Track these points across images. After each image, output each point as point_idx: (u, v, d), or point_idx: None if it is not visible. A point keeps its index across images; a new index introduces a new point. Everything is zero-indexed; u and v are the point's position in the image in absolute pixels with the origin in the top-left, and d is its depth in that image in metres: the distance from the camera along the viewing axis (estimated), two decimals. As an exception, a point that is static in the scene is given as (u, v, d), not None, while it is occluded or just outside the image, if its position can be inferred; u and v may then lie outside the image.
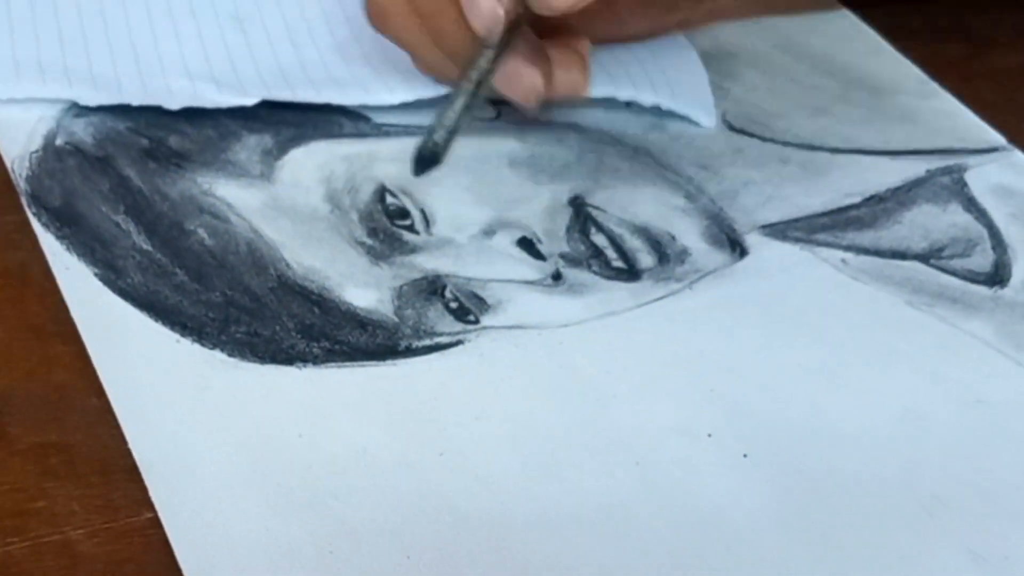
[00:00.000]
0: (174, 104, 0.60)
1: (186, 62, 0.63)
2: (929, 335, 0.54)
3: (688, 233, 0.57)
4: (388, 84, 0.62)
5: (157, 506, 0.45)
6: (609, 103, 0.62)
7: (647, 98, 0.62)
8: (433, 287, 0.54)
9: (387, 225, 0.56)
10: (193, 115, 0.60)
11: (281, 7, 0.66)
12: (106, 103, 0.60)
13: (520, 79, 0.55)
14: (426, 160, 0.54)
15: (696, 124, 0.62)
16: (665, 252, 0.56)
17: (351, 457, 0.48)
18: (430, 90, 0.61)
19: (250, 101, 0.60)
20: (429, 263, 0.55)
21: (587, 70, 0.57)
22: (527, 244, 0.56)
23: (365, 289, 0.54)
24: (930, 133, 0.63)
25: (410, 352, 0.51)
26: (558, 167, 0.60)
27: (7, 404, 0.49)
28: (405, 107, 0.61)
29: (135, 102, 0.60)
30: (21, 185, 0.57)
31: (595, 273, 0.55)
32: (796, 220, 0.58)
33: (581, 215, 0.58)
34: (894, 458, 0.49)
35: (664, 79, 0.63)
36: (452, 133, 0.54)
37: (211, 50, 0.63)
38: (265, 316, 0.52)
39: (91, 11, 0.65)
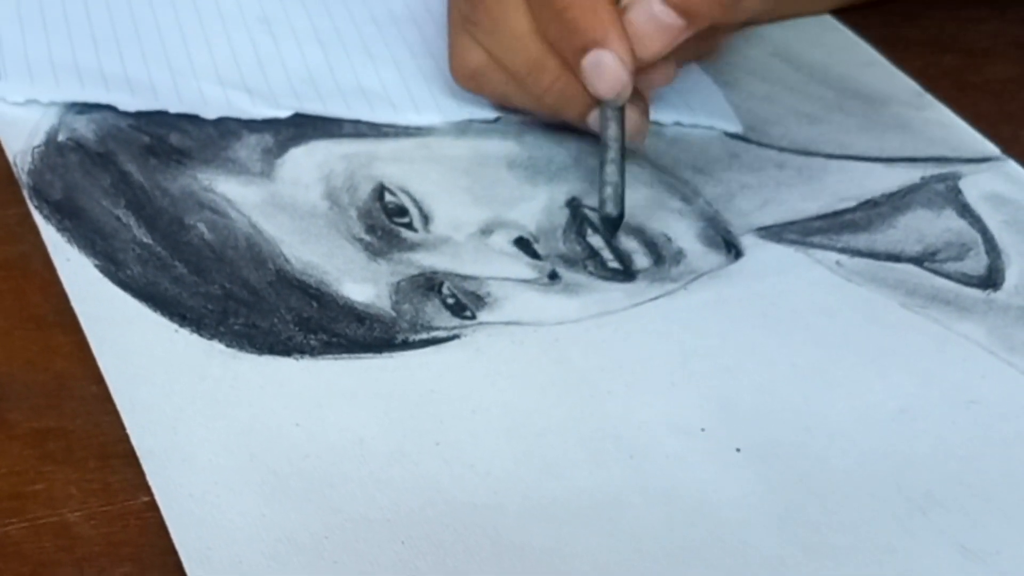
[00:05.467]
0: (210, 114, 0.61)
1: (217, 67, 0.63)
2: (923, 336, 0.54)
3: (684, 235, 0.58)
4: (415, 100, 0.63)
5: (155, 491, 0.46)
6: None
7: (666, 116, 0.63)
8: (430, 283, 0.54)
9: (385, 222, 0.57)
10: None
11: (306, 6, 0.67)
12: (144, 109, 0.60)
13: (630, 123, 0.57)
14: (613, 223, 0.57)
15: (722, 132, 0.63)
16: (661, 253, 0.57)
17: (347, 447, 0.48)
18: (455, 112, 0.62)
19: (283, 113, 0.61)
20: (427, 260, 0.55)
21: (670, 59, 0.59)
22: (524, 244, 0.57)
23: (363, 284, 0.54)
24: (925, 142, 0.63)
25: (407, 345, 0.52)
26: (556, 169, 0.60)
27: (7, 390, 0.49)
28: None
29: (172, 109, 0.61)
30: (23, 179, 0.57)
31: (591, 274, 0.56)
32: (792, 223, 0.59)
33: (578, 216, 0.58)
34: (887, 456, 0.49)
35: (678, 97, 0.64)
36: (621, 195, 0.57)
37: (240, 54, 0.64)
38: (263, 309, 0.52)
39: (122, 14, 0.66)
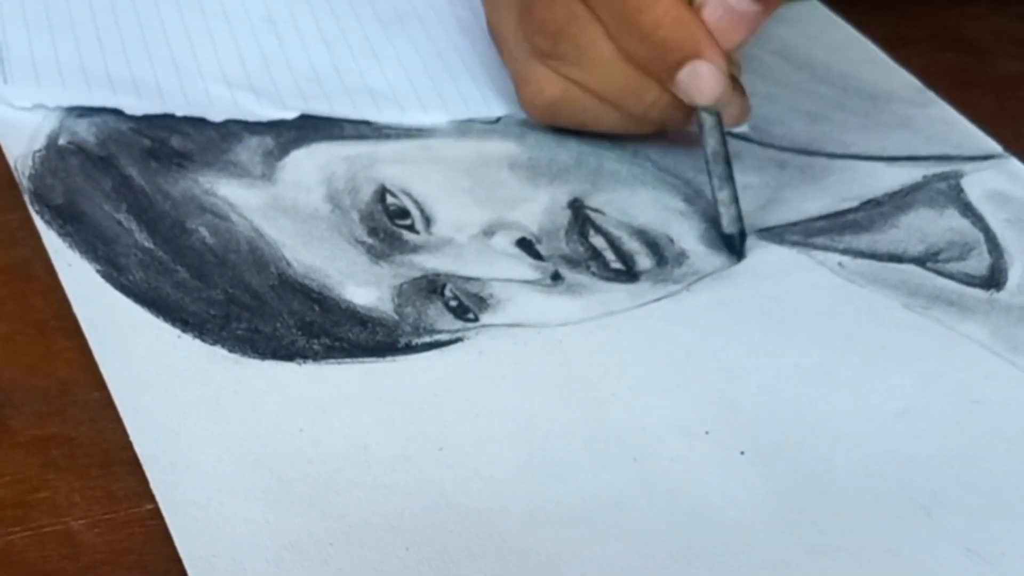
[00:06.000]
0: (216, 116, 0.61)
1: (223, 67, 0.63)
2: (925, 337, 0.54)
3: (686, 236, 0.58)
4: (422, 100, 0.63)
5: (158, 498, 0.45)
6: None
7: None
8: (433, 286, 0.54)
9: (387, 225, 0.57)
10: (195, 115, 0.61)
11: (311, 6, 0.67)
12: (150, 112, 0.60)
13: (727, 109, 0.58)
14: (736, 240, 0.57)
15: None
16: (663, 254, 0.57)
17: (351, 452, 0.48)
18: (462, 111, 0.62)
19: (290, 115, 0.61)
20: (429, 262, 0.55)
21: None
22: (526, 244, 0.57)
23: (365, 287, 0.54)
24: (927, 140, 0.63)
25: (410, 349, 0.52)
26: (557, 170, 0.60)
27: (10, 398, 0.49)
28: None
29: (179, 112, 0.61)
30: (24, 183, 0.57)
31: (593, 274, 0.56)
32: (793, 224, 0.59)
33: (580, 217, 0.58)
34: (891, 457, 0.49)
35: None
36: (736, 204, 0.57)
37: (246, 55, 0.64)
38: (266, 313, 0.52)
39: (127, 16, 0.66)
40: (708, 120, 0.57)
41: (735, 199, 0.57)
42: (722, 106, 0.57)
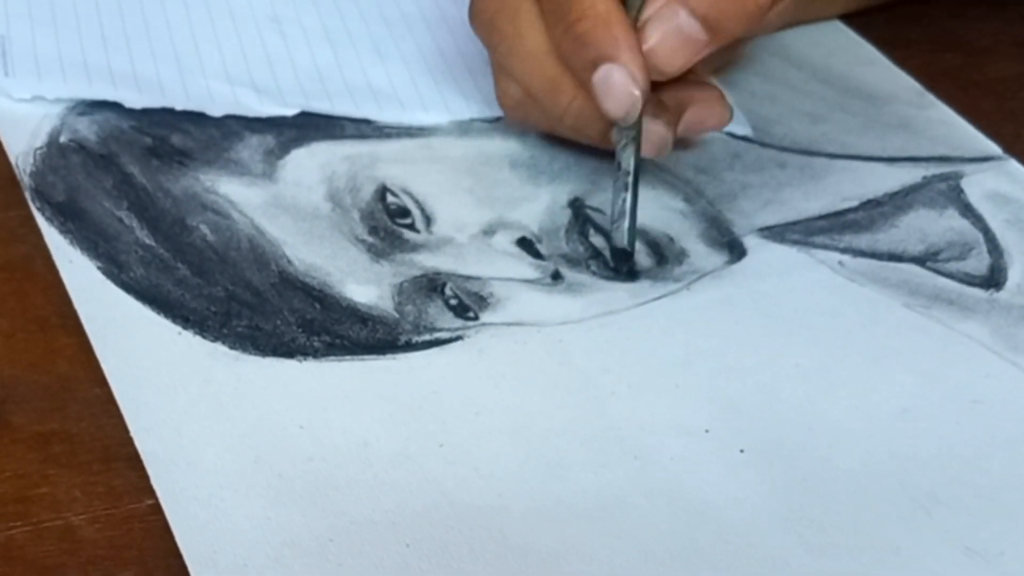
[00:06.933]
0: (216, 111, 0.61)
1: (225, 64, 0.64)
2: (926, 336, 0.54)
3: (686, 235, 0.58)
4: (423, 98, 0.63)
5: (159, 494, 0.46)
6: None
7: None
8: (433, 284, 0.54)
9: (388, 223, 0.57)
10: (197, 114, 0.61)
11: (317, 5, 0.67)
12: (150, 106, 0.61)
13: (648, 136, 0.56)
14: (624, 255, 0.55)
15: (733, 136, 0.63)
16: (663, 253, 0.57)
17: (351, 449, 0.48)
18: (464, 111, 0.62)
19: (290, 111, 0.61)
20: (429, 261, 0.55)
21: (726, 100, 0.58)
22: (527, 244, 0.57)
23: (366, 285, 0.54)
24: (927, 141, 0.63)
25: (410, 347, 0.52)
26: (558, 169, 0.60)
27: (11, 394, 0.49)
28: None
29: (178, 106, 0.61)
30: (25, 180, 0.57)
31: (594, 273, 0.56)
32: (794, 223, 0.59)
33: (580, 216, 0.58)
34: (891, 456, 0.49)
35: None
36: (633, 223, 0.55)
37: (249, 52, 0.64)
38: (266, 310, 0.52)
39: (132, 10, 0.66)
40: (623, 136, 0.55)
41: (634, 219, 0.55)
42: (644, 127, 0.55)
